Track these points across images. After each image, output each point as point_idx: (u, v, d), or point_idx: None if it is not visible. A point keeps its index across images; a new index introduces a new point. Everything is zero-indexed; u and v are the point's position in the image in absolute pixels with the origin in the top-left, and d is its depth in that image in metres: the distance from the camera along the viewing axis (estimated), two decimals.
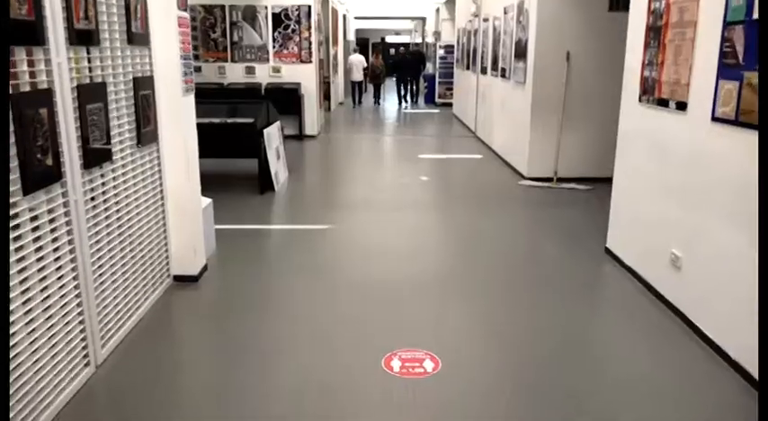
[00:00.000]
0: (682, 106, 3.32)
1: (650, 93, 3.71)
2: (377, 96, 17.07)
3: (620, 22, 6.46)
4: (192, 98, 3.78)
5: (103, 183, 2.92)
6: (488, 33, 9.32)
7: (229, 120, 6.49)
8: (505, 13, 7.99)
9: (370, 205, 5.95)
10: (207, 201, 4.31)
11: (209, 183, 7.04)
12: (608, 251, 4.39)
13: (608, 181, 6.81)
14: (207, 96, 9.79)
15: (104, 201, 2.92)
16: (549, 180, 6.74)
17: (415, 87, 17.39)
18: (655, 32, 3.65)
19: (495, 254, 4.55)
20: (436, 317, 3.45)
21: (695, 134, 3.20)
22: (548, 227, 5.19)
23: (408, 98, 16.90)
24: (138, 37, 3.24)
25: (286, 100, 9.86)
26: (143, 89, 3.30)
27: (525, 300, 3.69)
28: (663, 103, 3.55)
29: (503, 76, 8.19)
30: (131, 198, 3.22)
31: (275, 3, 9.82)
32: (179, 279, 3.81)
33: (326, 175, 7.94)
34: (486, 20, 9.62)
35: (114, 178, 3.02)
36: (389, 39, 34.11)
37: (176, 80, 3.54)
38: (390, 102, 17.56)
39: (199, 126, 6.38)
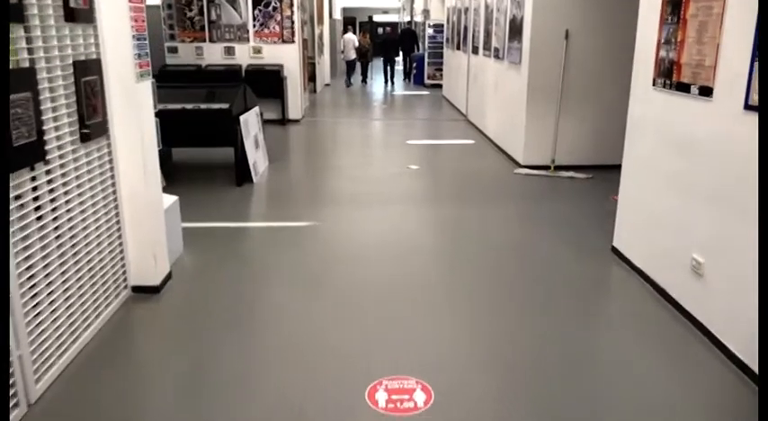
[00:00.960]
0: (706, 92, 2.91)
1: (667, 76, 3.29)
2: (364, 75, 16.96)
3: None
4: (148, 84, 3.31)
5: (35, 188, 2.48)
6: (480, 11, 8.83)
7: (203, 106, 6.01)
8: None
9: (356, 198, 5.53)
10: (171, 199, 3.86)
11: (182, 175, 6.67)
12: (615, 250, 4.00)
13: (608, 168, 6.47)
14: (184, 79, 9.31)
15: (37, 207, 2.48)
16: (546, 168, 6.33)
17: (410, 65, 17.40)
18: (673, 6, 3.22)
19: (491, 255, 4.15)
20: (427, 334, 3.05)
21: (723, 124, 2.79)
22: (547, 222, 4.79)
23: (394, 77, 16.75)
24: (79, 13, 2.78)
25: (268, 82, 9.37)
26: (86, 75, 2.84)
27: (527, 311, 3.30)
28: (683, 87, 3.13)
29: (496, 56, 7.74)
30: (74, 202, 2.78)
31: None
32: (138, 290, 3.38)
33: (309, 165, 7.47)
34: None
35: (50, 181, 2.57)
36: (377, 18, 33.37)
37: (129, 64, 3.08)
38: (378, 81, 17.26)
39: (169, 113, 5.95)
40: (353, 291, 3.51)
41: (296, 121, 9.83)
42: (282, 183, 6.20)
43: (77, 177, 2.80)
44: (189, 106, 5.99)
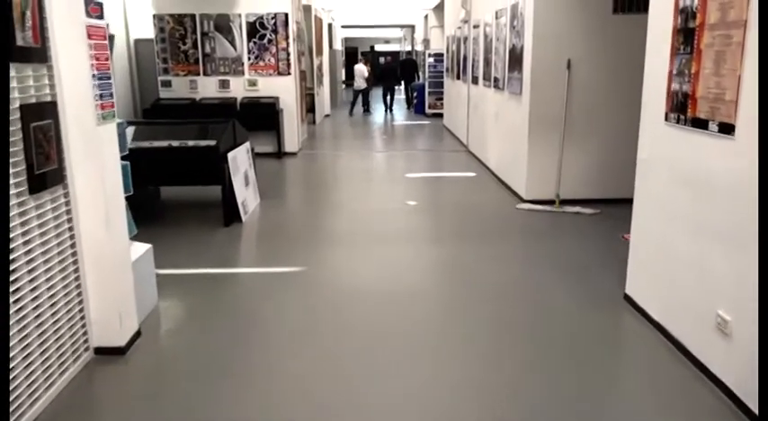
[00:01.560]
0: (727, 129, 2.61)
1: (681, 110, 3.00)
2: (366, 104, 17.07)
3: (627, 25, 5.81)
4: (112, 126, 3.04)
5: None
6: (479, 41, 8.63)
7: (191, 143, 5.75)
8: (497, 18, 7.31)
9: (350, 238, 5.22)
10: (143, 248, 3.56)
11: (170, 215, 6.36)
12: (628, 298, 3.66)
13: (615, 202, 6.15)
14: (177, 113, 9.11)
15: None
16: (550, 202, 6.02)
17: (411, 94, 17.69)
18: (685, 35, 2.95)
19: (491, 302, 3.81)
20: (419, 391, 2.70)
21: (747, 164, 2.48)
22: (553, 263, 4.46)
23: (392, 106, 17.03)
24: (28, 52, 2.51)
25: (263, 115, 9.16)
26: (37, 119, 2.56)
27: (528, 368, 2.95)
28: (699, 123, 2.83)
29: (496, 86, 7.49)
30: (21, 260, 2.48)
31: (249, 11, 9.11)
32: (101, 352, 3.06)
33: (303, 200, 7.19)
34: (476, 26, 8.94)
35: None
36: (379, 47, 33.54)
37: (89, 106, 2.81)
38: (378, 110, 17.32)
39: (155, 151, 5.71)
40: (343, 344, 3.17)
41: (292, 154, 9.59)
42: (273, 222, 5.90)
43: (25, 233, 2.51)
44: (176, 143, 5.73)
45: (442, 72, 14.49)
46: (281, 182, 7.97)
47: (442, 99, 14.78)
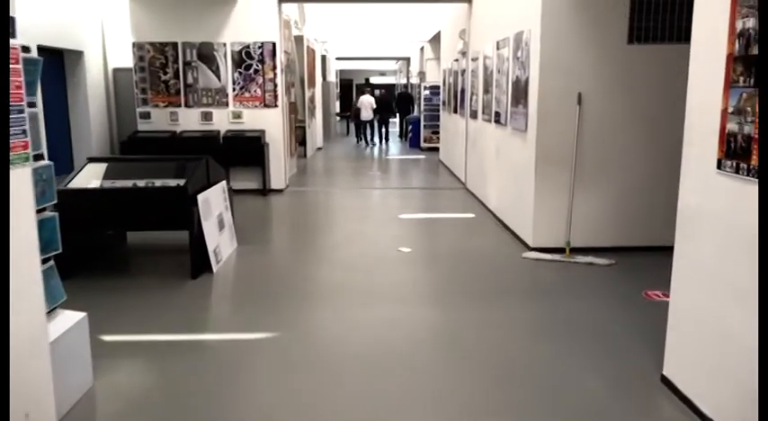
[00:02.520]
0: None
1: (741, 157, 2.40)
2: (361, 135, 17.36)
3: (643, 56, 5.28)
4: (26, 172, 2.41)
5: None
6: (478, 73, 8.12)
7: (158, 183, 5.14)
8: (498, 48, 6.79)
9: (335, 295, 4.57)
10: (74, 318, 2.90)
11: (133, 263, 5.58)
12: (666, 382, 3.01)
13: (632, 251, 5.52)
14: (156, 147, 8.51)
15: None
16: (559, 251, 5.40)
17: (406, 128, 17.86)
18: (745, 64, 2.36)
19: (497, 385, 3.14)
20: None
21: None
22: (569, 331, 3.80)
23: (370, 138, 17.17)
24: None
25: (248, 150, 8.59)
26: None
27: None
28: None
29: (497, 121, 6.94)
30: None
31: (235, 40, 8.60)
32: None
33: (285, 246, 6.52)
34: (474, 58, 8.45)
35: None
36: (374, 79, 33.30)
37: None
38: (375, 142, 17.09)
39: (118, 192, 5.09)
40: None
41: (279, 191, 8.98)
42: (248, 273, 5.23)
43: None
44: (141, 183, 5.13)
45: (438, 105, 14.03)
46: (263, 223, 7.33)
47: (437, 133, 14.29)
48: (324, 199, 9.02)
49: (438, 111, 14.07)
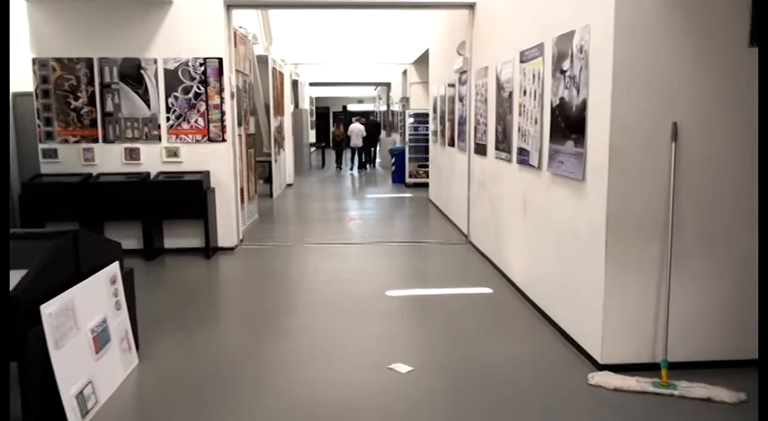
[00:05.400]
0: None
1: None
2: (338, 162, 18.65)
3: None
4: None
5: None
6: (487, 96, 6.20)
7: None
8: (524, 61, 4.87)
9: None
10: None
11: None
12: None
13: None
14: (63, 196, 6.42)
15: None
16: (647, 368, 3.41)
17: (372, 154, 18.86)
18: None
19: None
20: None
21: None
22: None
23: (359, 165, 18.07)
24: None
25: (186, 197, 6.52)
26: None
27: None
28: None
29: (523, 161, 4.98)
30: None
31: (168, 55, 6.59)
32: None
33: (212, 358, 4.32)
34: (480, 78, 6.53)
35: None
36: (352, 107, 31.52)
37: None
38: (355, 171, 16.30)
39: None
40: None
41: (228, 250, 6.88)
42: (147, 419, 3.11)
43: None
44: None
45: (426, 135, 12.12)
46: (192, 307, 5.05)
47: (425, 166, 12.38)
48: (285, 262, 6.76)
49: (426, 142, 12.16)
